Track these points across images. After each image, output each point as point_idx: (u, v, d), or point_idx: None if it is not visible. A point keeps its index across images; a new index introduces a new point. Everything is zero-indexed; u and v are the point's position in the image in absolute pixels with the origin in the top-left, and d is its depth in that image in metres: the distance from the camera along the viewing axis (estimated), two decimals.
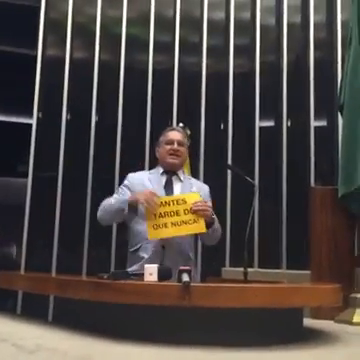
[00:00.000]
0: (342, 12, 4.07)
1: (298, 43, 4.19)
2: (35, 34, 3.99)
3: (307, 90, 4.00)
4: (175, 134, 2.85)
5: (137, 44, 4.10)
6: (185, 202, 2.53)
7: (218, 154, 3.91)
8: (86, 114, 3.88)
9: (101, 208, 2.73)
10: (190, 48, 4.15)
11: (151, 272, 2.14)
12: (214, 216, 2.78)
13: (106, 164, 3.83)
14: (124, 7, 4.06)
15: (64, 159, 3.83)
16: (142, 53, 4.07)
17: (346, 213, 3.16)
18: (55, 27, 4.11)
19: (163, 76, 4.03)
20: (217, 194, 2.99)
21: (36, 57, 3.97)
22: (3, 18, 4.02)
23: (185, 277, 1.97)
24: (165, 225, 2.51)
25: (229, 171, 3.77)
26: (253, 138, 3.94)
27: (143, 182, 2.76)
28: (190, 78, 4.07)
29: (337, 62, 4.00)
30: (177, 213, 2.51)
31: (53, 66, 4.04)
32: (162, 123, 3.86)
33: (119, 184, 3.58)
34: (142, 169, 3.40)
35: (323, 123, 4.07)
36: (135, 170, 2.90)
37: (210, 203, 2.86)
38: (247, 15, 4.22)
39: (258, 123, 3.98)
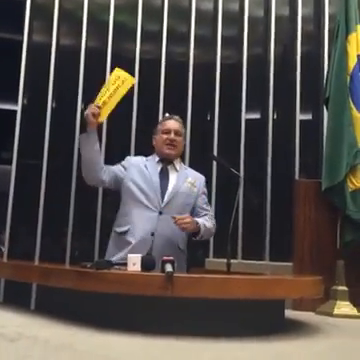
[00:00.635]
0: (330, 5, 4.08)
1: (286, 36, 4.19)
2: (21, 19, 3.93)
3: (293, 83, 4.00)
4: (173, 123, 2.86)
5: (125, 32, 4.06)
6: (109, 81, 2.78)
7: (204, 145, 3.91)
8: (72, 102, 3.84)
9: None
10: (178, 38, 4.12)
11: (134, 262, 2.15)
12: (209, 213, 2.81)
13: None
14: None
15: (49, 147, 3.79)
16: (129, 41, 4.03)
17: (329, 206, 3.20)
18: (42, 12, 4.04)
19: (150, 65, 4.00)
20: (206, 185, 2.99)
21: (22, 43, 3.91)
22: None
23: (168, 267, 1.98)
24: (105, 104, 2.74)
25: (214, 162, 3.77)
26: (239, 130, 3.94)
27: (140, 166, 2.79)
28: (177, 68, 4.04)
29: (324, 55, 4.01)
30: (108, 90, 2.77)
31: (39, 52, 3.98)
32: (148, 112, 3.84)
33: None
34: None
35: (308, 116, 4.09)
36: (120, 159, 2.89)
37: (205, 195, 2.88)
38: (235, 6, 4.20)
39: (244, 115, 3.98)
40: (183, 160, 3.60)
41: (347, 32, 3.30)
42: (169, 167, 2.81)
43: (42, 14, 4.03)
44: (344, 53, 3.27)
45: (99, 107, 2.71)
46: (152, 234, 2.62)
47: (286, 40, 4.19)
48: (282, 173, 3.88)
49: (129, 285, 1.98)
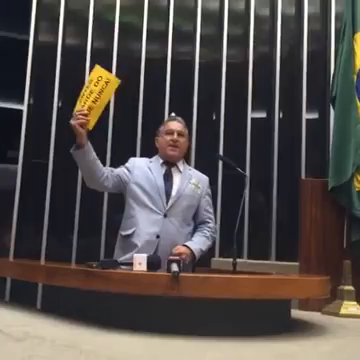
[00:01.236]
0: (336, 4, 4.07)
1: (292, 35, 4.18)
2: (27, 19, 3.95)
3: (300, 82, 4.00)
4: (175, 124, 2.84)
5: (130, 32, 4.07)
6: (91, 81, 2.53)
7: (210, 144, 3.91)
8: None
9: None
10: (183, 37, 4.12)
11: (140, 261, 2.15)
12: (211, 217, 2.81)
13: (97, 153, 3.79)
14: None
15: (55, 146, 3.80)
16: (135, 41, 4.04)
17: (335, 206, 3.18)
18: (48, 12, 4.06)
19: (156, 65, 4.01)
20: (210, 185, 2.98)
21: (28, 42, 3.92)
22: None
23: (174, 267, 1.97)
24: (91, 109, 2.52)
25: (220, 162, 3.77)
26: (245, 129, 3.94)
27: (143, 168, 2.78)
28: (183, 67, 4.05)
29: (330, 54, 4.00)
30: (92, 93, 2.52)
31: (45, 52, 4.00)
32: (154, 112, 3.85)
33: None
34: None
35: (315, 116, 4.08)
36: (126, 159, 2.89)
37: (209, 196, 2.87)
38: (241, 5, 4.20)
39: (250, 114, 3.97)
40: (189, 160, 3.61)
41: (354, 31, 3.28)
42: (173, 169, 2.80)
43: (48, 14, 4.05)
44: (351, 52, 3.25)
45: (85, 114, 2.51)
46: (157, 237, 2.62)
47: (292, 39, 4.18)
48: (288, 172, 3.88)
49: (135, 285, 1.98)
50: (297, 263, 3.19)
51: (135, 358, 1.63)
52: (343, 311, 2.85)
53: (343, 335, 2.29)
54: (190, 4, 4.14)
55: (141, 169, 2.76)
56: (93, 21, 4.00)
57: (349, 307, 2.87)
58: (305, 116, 3.96)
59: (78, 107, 2.54)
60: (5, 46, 4.07)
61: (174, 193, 2.70)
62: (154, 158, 2.86)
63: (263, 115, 4.13)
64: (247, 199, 3.69)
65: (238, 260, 2.49)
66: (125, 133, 3.90)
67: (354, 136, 3.14)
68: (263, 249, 3.76)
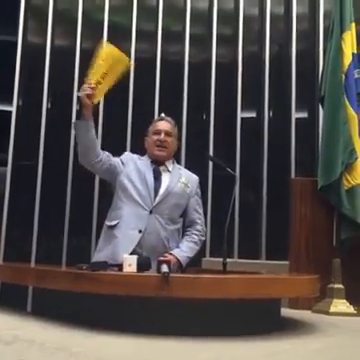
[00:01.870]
0: (324, 3, 4.08)
1: (281, 34, 4.19)
2: (15, 20, 3.92)
3: (289, 81, 4.01)
4: (163, 124, 2.85)
5: (119, 32, 4.06)
6: (100, 55, 2.57)
7: (200, 144, 3.91)
8: (67, 102, 3.83)
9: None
10: (173, 37, 4.12)
11: (130, 263, 2.15)
12: (200, 217, 2.81)
13: None
14: None
15: (44, 148, 3.79)
16: (124, 41, 4.02)
17: (325, 204, 3.20)
18: (36, 13, 4.04)
19: (145, 64, 4.00)
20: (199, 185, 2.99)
21: (16, 43, 3.90)
22: None
23: (164, 268, 1.98)
24: (99, 84, 2.56)
25: (210, 162, 3.77)
26: (235, 129, 3.94)
27: (136, 162, 2.79)
28: (172, 67, 4.04)
29: (319, 53, 4.01)
30: (100, 68, 2.56)
31: (34, 53, 3.98)
32: (144, 112, 3.84)
33: None
34: None
35: (304, 115, 4.10)
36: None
37: (198, 196, 2.88)
38: (230, 5, 4.20)
39: (240, 114, 3.98)
40: (179, 160, 3.61)
41: (342, 30, 3.29)
42: (161, 168, 2.81)
43: (36, 15, 4.02)
44: (339, 51, 3.27)
45: (93, 88, 2.55)
46: (139, 231, 2.62)
47: (281, 39, 4.20)
48: (278, 171, 3.89)
49: (125, 286, 1.98)
50: (287, 262, 3.21)
51: (125, 359, 1.63)
52: (333, 309, 2.87)
53: (333, 333, 2.31)
54: (179, 4, 4.14)
55: (134, 164, 2.78)
56: (82, 21, 3.99)
57: (339, 305, 2.90)
58: (294, 115, 3.98)
59: (88, 81, 2.58)
60: None
61: (162, 191, 2.71)
62: (144, 157, 2.86)
63: (253, 114, 4.14)
64: (237, 199, 3.69)
65: (228, 260, 2.49)
66: (115, 133, 3.90)
67: (342, 135, 3.16)
68: (253, 248, 3.77)
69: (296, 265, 3.14)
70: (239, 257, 3.66)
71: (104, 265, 2.22)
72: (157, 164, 2.81)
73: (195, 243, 2.77)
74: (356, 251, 3.05)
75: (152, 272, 2.11)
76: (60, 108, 3.90)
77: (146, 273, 2.12)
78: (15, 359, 1.55)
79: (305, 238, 3.20)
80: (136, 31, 4.02)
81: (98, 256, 2.66)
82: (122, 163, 2.78)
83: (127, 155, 2.88)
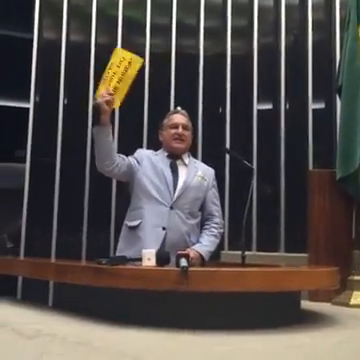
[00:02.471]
0: None
1: (296, 24, 4.14)
2: (31, 17, 3.94)
3: (305, 72, 3.97)
4: (180, 117, 2.85)
5: (134, 27, 4.06)
6: (112, 64, 2.63)
7: (216, 138, 3.90)
8: (84, 98, 3.85)
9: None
10: (187, 30, 4.10)
11: (149, 257, 2.16)
12: (218, 209, 2.80)
13: None
14: None
15: (62, 143, 3.81)
16: (139, 36, 4.02)
17: (344, 196, 3.18)
18: (51, 10, 4.05)
19: (160, 59, 3.99)
20: (216, 178, 2.99)
21: (32, 40, 3.93)
22: None
23: (183, 262, 1.99)
24: (116, 89, 2.61)
25: (227, 155, 3.76)
26: (251, 121, 3.92)
27: (151, 159, 2.78)
28: (187, 61, 4.03)
29: (335, 43, 3.96)
30: (116, 73, 2.61)
31: (49, 49, 4.00)
32: (159, 106, 3.83)
33: None
34: None
35: (321, 105, 4.05)
36: (132, 153, 2.90)
37: (215, 188, 2.87)
38: None
39: (256, 106, 3.95)
40: (196, 154, 3.61)
41: (358, 20, 3.25)
42: (178, 162, 2.80)
43: (51, 11, 4.03)
44: (356, 40, 3.23)
45: (111, 94, 2.58)
46: (163, 229, 2.63)
47: (297, 29, 4.15)
48: (296, 163, 3.86)
49: (144, 280, 1.99)
50: (306, 254, 3.20)
51: (146, 353, 1.65)
52: (353, 301, 2.86)
53: (353, 325, 2.30)
54: None
55: (149, 160, 2.78)
56: (96, 17, 3.99)
57: (359, 297, 2.88)
58: (311, 106, 3.93)
59: (102, 89, 2.60)
60: (10, 45, 4.08)
61: (181, 185, 2.71)
62: (159, 151, 2.86)
63: (269, 106, 4.10)
64: (255, 191, 3.68)
65: (247, 253, 2.49)
66: (131, 128, 3.90)
67: None
68: (272, 241, 3.75)
69: (315, 257, 3.13)
70: (258, 250, 3.64)
71: (123, 260, 2.24)
72: (174, 158, 2.81)
73: (215, 236, 2.77)
74: None
75: (171, 266, 2.12)
76: (77, 104, 3.91)
77: (165, 267, 2.14)
78: (38, 353, 1.58)
79: (324, 230, 3.18)
80: (150, 25, 4.01)
81: None
82: (137, 162, 2.76)
83: (141, 153, 2.86)
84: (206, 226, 2.79)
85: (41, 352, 1.59)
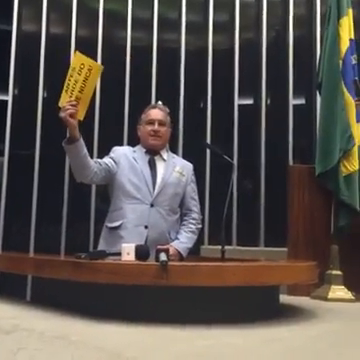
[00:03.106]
0: None
1: (278, 20, 4.16)
2: (10, 8, 3.88)
3: (286, 68, 3.99)
4: (156, 113, 2.81)
5: (115, 20, 4.03)
6: (73, 69, 2.46)
7: (197, 132, 3.90)
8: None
9: None
10: (169, 24, 4.09)
11: (128, 251, 2.15)
12: (197, 204, 2.80)
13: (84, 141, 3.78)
14: None
15: (41, 136, 3.77)
16: (120, 29, 3.99)
17: (323, 191, 3.20)
18: (30, 1, 4.00)
19: (142, 53, 3.97)
20: (196, 173, 2.98)
21: (11, 32, 3.87)
22: None
23: (163, 256, 1.98)
24: (79, 99, 2.46)
25: (208, 150, 3.76)
26: (232, 116, 3.93)
27: (128, 157, 2.75)
28: (169, 55, 4.02)
29: (316, 39, 3.99)
30: (77, 82, 2.46)
31: (29, 41, 3.95)
32: (140, 100, 3.81)
33: None
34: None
35: (302, 101, 4.08)
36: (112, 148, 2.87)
37: (193, 183, 2.87)
38: None
39: (237, 101, 3.96)
40: (176, 148, 3.60)
41: (339, 16, 3.27)
42: (156, 157, 2.79)
43: (31, 3, 3.98)
44: (336, 37, 3.25)
45: (74, 105, 2.43)
46: (145, 227, 2.62)
47: (278, 24, 4.16)
48: (276, 159, 3.88)
49: (124, 275, 1.98)
50: (285, 249, 3.22)
51: (125, 347, 1.64)
52: (331, 295, 2.89)
53: (331, 319, 2.32)
54: None
55: (126, 159, 2.74)
56: (77, 9, 3.95)
57: (337, 291, 2.91)
58: (292, 102, 3.96)
59: (65, 98, 2.47)
60: None
61: (159, 182, 2.70)
62: (137, 147, 2.84)
63: (250, 101, 4.12)
64: (235, 186, 3.69)
65: (227, 247, 2.50)
66: (111, 122, 3.88)
67: (340, 121, 3.15)
68: (252, 236, 3.78)
69: (294, 252, 3.16)
70: (237, 244, 3.66)
71: (103, 254, 2.23)
72: (152, 154, 2.79)
73: (193, 232, 2.77)
74: (354, 237, 3.06)
75: (151, 261, 2.11)
76: (56, 96, 3.86)
77: (145, 262, 2.13)
78: (15, 348, 1.55)
79: (303, 225, 3.21)
80: (132, 19, 3.98)
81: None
82: (115, 162, 2.71)
83: (118, 152, 2.79)
84: (184, 222, 2.79)
85: (18, 347, 1.57)
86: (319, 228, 3.17)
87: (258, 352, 1.69)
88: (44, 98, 3.84)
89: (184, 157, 3.04)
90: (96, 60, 3.83)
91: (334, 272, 2.98)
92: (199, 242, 3.52)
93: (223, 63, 4.04)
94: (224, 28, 4.11)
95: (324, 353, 1.69)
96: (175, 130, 3.15)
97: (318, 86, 3.40)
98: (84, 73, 2.45)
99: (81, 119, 2.48)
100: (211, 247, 3.41)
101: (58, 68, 3.87)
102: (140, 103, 3.75)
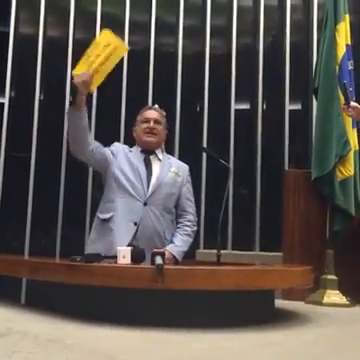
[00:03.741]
0: None
1: (275, 25, 4.17)
2: (7, 11, 3.88)
3: (283, 73, 4.00)
4: (152, 112, 2.86)
5: (112, 23, 4.01)
6: (98, 44, 2.58)
7: (193, 136, 3.90)
8: (60, 93, 3.81)
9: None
10: (166, 28, 4.09)
11: (124, 255, 2.15)
12: (192, 205, 2.81)
13: None
14: None
15: (37, 139, 3.76)
16: (117, 33, 3.92)
17: (318, 196, 3.22)
18: (28, 4, 3.99)
19: (139, 56, 3.97)
20: (192, 176, 2.99)
21: (8, 34, 3.86)
22: None
23: (158, 260, 1.98)
24: (96, 73, 2.56)
25: (204, 153, 3.77)
26: (228, 120, 3.93)
27: (126, 153, 2.78)
28: (166, 59, 4.02)
29: (313, 45, 4.00)
30: (99, 56, 2.56)
31: (26, 44, 3.94)
32: (137, 104, 3.80)
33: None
34: None
35: (298, 106, 4.09)
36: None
37: (189, 184, 2.88)
38: None
39: (234, 105, 3.97)
40: (172, 152, 3.60)
41: (336, 21, 3.30)
42: (151, 157, 2.81)
43: (28, 5, 3.98)
44: (333, 43, 3.27)
45: (91, 76, 2.52)
46: (135, 224, 2.62)
47: (275, 30, 4.17)
48: (272, 163, 3.88)
49: (119, 278, 1.98)
50: (281, 253, 3.22)
51: (119, 351, 1.63)
52: (326, 300, 2.89)
53: (326, 324, 2.33)
54: None
55: (124, 154, 2.78)
56: (75, 12, 3.95)
57: (332, 296, 2.92)
58: (288, 107, 3.97)
59: (81, 68, 2.54)
60: None
61: (154, 181, 2.71)
62: (134, 148, 2.86)
63: (246, 106, 4.12)
64: (231, 190, 3.69)
65: (222, 251, 2.50)
66: (108, 125, 3.87)
67: (336, 127, 3.17)
68: (247, 240, 3.78)
69: (290, 256, 3.16)
70: (233, 249, 3.66)
71: (98, 257, 2.22)
72: (147, 153, 2.80)
73: (189, 236, 2.77)
74: (349, 242, 3.07)
75: (146, 264, 2.11)
76: (53, 99, 3.87)
77: (140, 265, 2.13)
78: (9, 351, 1.55)
79: (298, 229, 3.21)
80: (129, 22, 3.98)
81: (92, 248, 2.65)
82: (112, 154, 2.77)
83: (117, 146, 2.86)
84: (179, 225, 2.79)
85: (12, 350, 1.56)
86: (314, 233, 3.18)
87: (253, 356, 1.69)
88: (40, 100, 3.83)
89: (180, 160, 3.04)
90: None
91: (329, 277, 2.98)
92: (194, 246, 3.53)
93: (220, 68, 4.04)
94: (221, 33, 4.12)
95: (319, 358, 1.70)
96: (171, 133, 3.15)
97: (314, 91, 3.42)
98: (109, 50, 2.54)
99: (91, 91, 2.60)
100: (206, 251, 3.41)
101: (55, 71, 3.89)
102: (137, 106, 3.76)
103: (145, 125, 2.80)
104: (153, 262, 1.99)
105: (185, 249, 2.72)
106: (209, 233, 3.57)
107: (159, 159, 2.82)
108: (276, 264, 2.85)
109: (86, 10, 4.02)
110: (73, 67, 3.80)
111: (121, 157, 2.76)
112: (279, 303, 2.54)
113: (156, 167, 2.78)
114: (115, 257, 2.17)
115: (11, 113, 3.79)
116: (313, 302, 2.90)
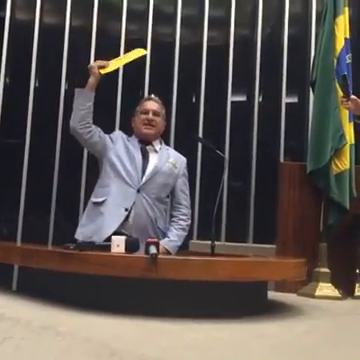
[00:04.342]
0: None
1: (273, 17, 4.15)
2: None
3: (280, 66, 3.98)
4: (151, 104, 2.87)
5: (110, 11, 3.99)
6: (126, 56, 3.09)
7: (189, 127, 3.88)
8: (55, 81, 3.77)
9: None
10: (164, 18, 4.06)
11: (118, 243, 2.14)
12: (187, 198, 2.81)
13: None
14: None
15: (32, 126, 3.73)
16: (115, 21, 3.96)
17: (313, 189, 3.22)
18: None
19: (135, 45, 3.91)
20: (187, 167, 2.98)
21: (4, 20, 3.81)
22: None
23: (152, 249, 1.97)
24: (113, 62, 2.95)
25: (199, 144, 3.76)
26: (225, 112, 3.92)
27: (125, 141, 2.81)
28: (163, 49, 3.99)
29: (311, 38, 3.98)
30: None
31: (22, 30, 3.89)
32: (133, 94, 3.79)
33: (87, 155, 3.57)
34: None
35: (294, 99, 4.08)
36: None
37: (185, 177, 2.88)
38: None
39: (230, 97, 3.95)
40: (168, 142, 3.58)
41: (335, 15, 3.28)
42: (148, 148, 2.82)
43: None
44: (332, 36, 3.26)
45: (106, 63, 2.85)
46: (126, 210, 2.62)
47: (273, 22, 4.15)
48: (267, 156, 3.88)
49: (113, 267, 1.97)
50: (274, 246, 3.23)
51: (112, 339, 1.63)
52: (318, 293, 2.91)
53: (318, 316, 2.34)
54: None
55: (123, 142, 2.81)
56: None
57: (324, 289, 2.93)
58: (285, 100, 3.96)
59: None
60: None
61: (150, 170, 2.73)
62: (131, 137, 2.88)
63: (243, 98, 4.11)
64: (226, 182, 3.68)
65: (216, 243, 2.50)
66: (104, 114, 3.83)
67: (333, 120, 3.16)
68: (241, 232, 3.78)
69: (283, 249, 3.17)
70: (226, 240, 3.66)
71: (92, 245, 2.21)
72: (144, 144, 2.82)
73: (183, 229, 2.78)
74: (342, 236, 3.08)
75: (140, 253, 2.10)
76: (48, 86, 3.83)
77: (134, 254, 2.12)
78: (0, 337, 1.54)
79: (292, 222, 3.22)
80: (127, 11, 3.94)
81: (82, 231, 2.67)
82: (111, 140, 2.81)
83: (117, 134, 2.90)
84: (174, 218, 2.80)
85: (4, 336, 1.55)
86: (308, 226, 3.19)
87: (246, 347, 1.69)
88: (35, 87, 3.80)
89: (176, 151, 3.03)
90: (89, 50, 3.82)
91: (322, 270, 2.99)
92: (188, 236, 3.53)
93: (217, 59, 4.02)
94: (219, 24, 4.09)
95: (311, 349, 1.70)
96: (167, 123, 3.13)
97: (312, 84, 3.40)
98: (129, 54, 3.04)
99: (102, 74, 2.85)
100: (200, 242, 3.41)
101: (51, 58, 3.85)
102: (133, 96, 3.74)
103: (144, 116, 2.83)
104: (147, 251, 1.98)
105: (179, 243, 2.73)
106: (203, 224, 3.56)
107: (156, 151, 2.84)
108: (269, 256, 2.85)
109: None
110: (69, 54, 3.81)
111: (120, 144, 2.79)
112: (272, 295, 2.55)
113: (153, 157, 2.80)
114: (109, 246, 2.16)
115: (5, 100, 3.75)
116: (306, 294, 2.92)
